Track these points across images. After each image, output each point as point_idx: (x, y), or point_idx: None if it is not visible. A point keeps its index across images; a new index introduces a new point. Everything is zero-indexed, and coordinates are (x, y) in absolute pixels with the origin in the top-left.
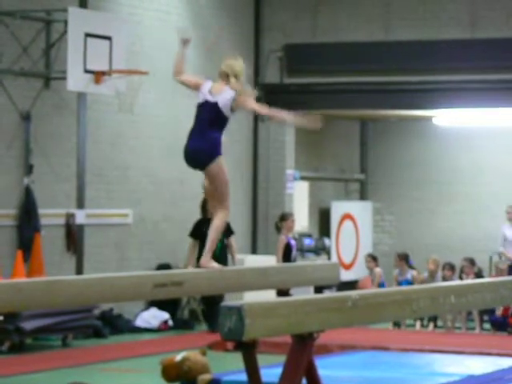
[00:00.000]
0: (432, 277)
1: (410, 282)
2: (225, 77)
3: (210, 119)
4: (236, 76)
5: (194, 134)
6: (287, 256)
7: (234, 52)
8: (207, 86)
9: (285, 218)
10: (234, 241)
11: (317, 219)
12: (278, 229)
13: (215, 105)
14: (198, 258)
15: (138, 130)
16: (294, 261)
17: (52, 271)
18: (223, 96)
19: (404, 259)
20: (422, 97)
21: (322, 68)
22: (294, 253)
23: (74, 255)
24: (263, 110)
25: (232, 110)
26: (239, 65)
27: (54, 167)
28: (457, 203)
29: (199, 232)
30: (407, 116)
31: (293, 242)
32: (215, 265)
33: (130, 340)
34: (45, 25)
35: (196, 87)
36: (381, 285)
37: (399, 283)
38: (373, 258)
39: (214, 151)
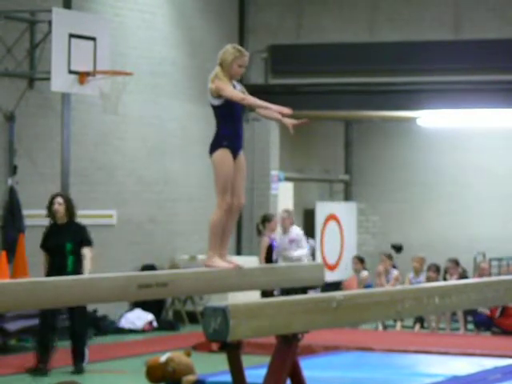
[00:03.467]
0: (417, 275)
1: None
2: None
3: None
4: (221, 64)
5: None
6: (268, 257)
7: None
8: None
9: (268, 219)
10: (89, 251)
11: (301, 220)
12: (259, 231)
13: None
14: (49, 273)
15: (123, 131)
16: (276, 261)
17: (36, 272)
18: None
19: (390, 259)
20: (406, 98)
21: (306, 69)
22: (275, 254)
23: None
24: (238, 96)
25: (217, 96)
26: (222, 52)
27: (38, 168)
28: (441, 204)
29: (49, 242)
30: (391, 117)
31: (274, 243)
32: (221, 263)
33: (114, 341)
34: (29, 25)
35: None
36: (367, 287)
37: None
38: (360, 260)
39: (212, 144)
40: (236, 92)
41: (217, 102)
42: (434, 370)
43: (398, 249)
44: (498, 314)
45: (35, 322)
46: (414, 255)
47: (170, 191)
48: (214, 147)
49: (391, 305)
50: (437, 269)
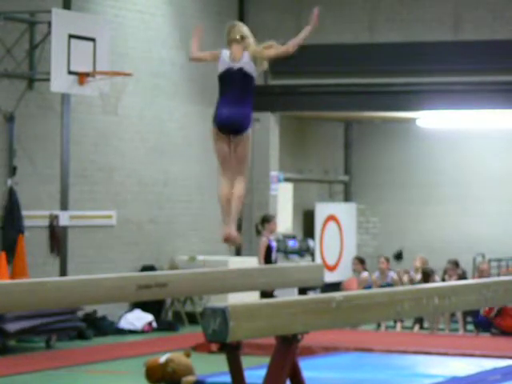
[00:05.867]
0: (416, 274)
1: (390, 285)
2: (237, 41)
3: (239, 86)
4: (247, 37)
5: (229, 102)
6: (267, 257)
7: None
8: (225, 54)
9: (267, 219)
10: None
11: (301, 221)
12: (258, 231)
13: (240, 70)
14: None
15: (122, 132)
16: (275, 262)
17: (36, 273)
18: (245, 60)
19: (387, 261)
20: (405, 98)
21: (306, 70)
22: (274, 254)
23: (58, 257)
24: (284, 48)
25: (256, 67)
26: (246, 28)
27: (37, 168)
28: (440, 205)
29: None
30: (391, 118)
31: (273, 244)
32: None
33: (113, 342)
34: (28, 26)
35: (214, 58)
36: (368, 288)
37: (380, 286)
38: (360, 261)
39: (249, 121)
40: (277, 47)
41: (256, 74)
42: (434, 370)
43: (398, 256)
44: (493, 313)
45: (35, 322)
46: (417, 255)
47: (169, 192)
48: (250, 124)
49: (391, 305)
50: (431, 271)
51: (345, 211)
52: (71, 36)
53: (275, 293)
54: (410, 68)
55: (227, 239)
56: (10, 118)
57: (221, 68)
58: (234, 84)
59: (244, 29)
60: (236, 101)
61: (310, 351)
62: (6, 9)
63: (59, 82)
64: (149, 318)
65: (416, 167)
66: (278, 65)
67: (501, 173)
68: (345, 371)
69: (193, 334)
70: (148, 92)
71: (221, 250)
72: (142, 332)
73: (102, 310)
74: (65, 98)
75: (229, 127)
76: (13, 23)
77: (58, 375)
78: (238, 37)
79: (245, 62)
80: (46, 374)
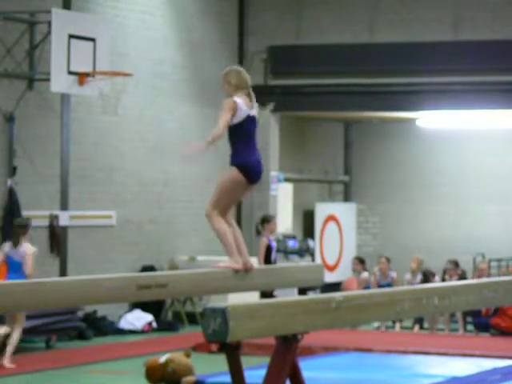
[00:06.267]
0: (414, 276)
1: (390, 285)
2: (245, 90)
3: (255, 132)
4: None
5: (253, 150)
6: (267, 257)
7: (218, 53)
8: (240, 101)
9: (267, 220)
10: None
11: (301, 221)
12: (258, 232)
13: (255, 118)
14: None
15: (122, 132)
16: (274, 262)
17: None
18: (255, 105)
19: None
20: (405, 99)
21: (306, 70)
22: (274, 254)
23: (58, 257)
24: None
25: None
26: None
27: (37, 169)
28: (440, 205)
29: None
30: (391, 118)
31: (273, 244)
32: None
33: (113, 342)
34: (28, 26)
35: (234, 110)
36: (367, 288)
37: (380, 285)
38: (360, 261)
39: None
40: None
41: None
42: (434, 370)
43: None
44: (491, 312)
45: (35, 322)
46: (413, 256)
47: (169, 192)
48: None
49: (391, 306)
50: (432, 274)
51: (345, 211)
52: (71, 36)
53: (275, 293)
54: (410, 68)
55: (248, 268)
56: (10, 118)
57: (241, 116)
58: (251, 130)
59: (248, 78)
60: (255, 147)
61: (310, 351)
62: (5, 9)
63: (59, 82)
64: (149, 318)
65: (416, 167)
66: (278, 65)
67: (500, 172)
68: (345, 371)
69: (193, 334)
70: (148, 92)
71: (221, 250)
72: (142, 332)
73: (102, 310)
74: (65, 97)
75: (260, 176)
76: (13, 23)
77: (58, 375)
78: (246, 86)
79: (256, 108)
80: (46, 374)
